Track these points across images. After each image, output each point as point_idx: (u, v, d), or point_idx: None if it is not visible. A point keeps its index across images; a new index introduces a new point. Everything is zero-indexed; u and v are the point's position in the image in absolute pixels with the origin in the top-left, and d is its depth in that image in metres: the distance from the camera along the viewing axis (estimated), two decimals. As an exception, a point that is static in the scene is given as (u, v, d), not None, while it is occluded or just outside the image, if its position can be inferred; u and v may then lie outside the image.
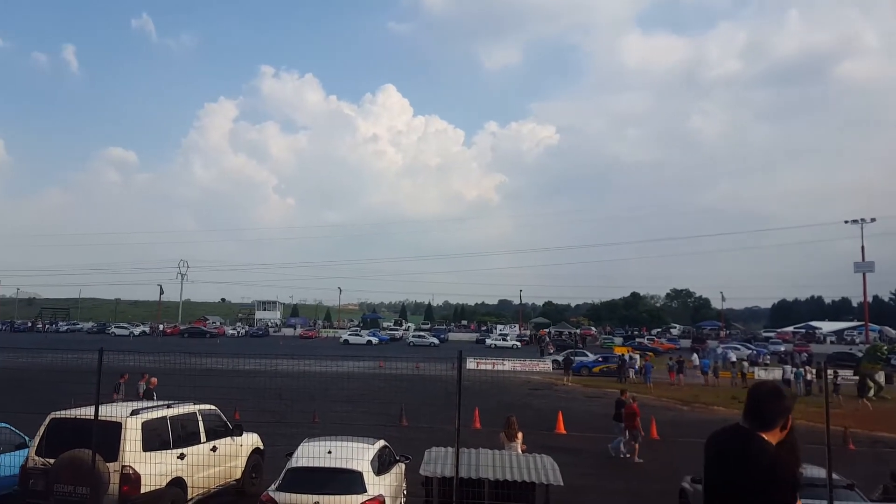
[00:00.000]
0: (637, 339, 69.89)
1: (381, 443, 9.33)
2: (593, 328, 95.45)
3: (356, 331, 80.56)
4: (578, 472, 12.74)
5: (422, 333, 78.55)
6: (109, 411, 8.76)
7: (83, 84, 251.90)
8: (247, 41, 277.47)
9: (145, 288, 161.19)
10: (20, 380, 27.15)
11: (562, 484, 7.88)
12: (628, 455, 16.03)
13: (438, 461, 8.23)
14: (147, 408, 9.38)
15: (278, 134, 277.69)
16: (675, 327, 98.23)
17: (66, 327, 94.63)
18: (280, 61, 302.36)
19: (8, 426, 10.66)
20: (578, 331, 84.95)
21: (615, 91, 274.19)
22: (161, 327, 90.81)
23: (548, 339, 70.58)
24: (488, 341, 70.79)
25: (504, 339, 71.32)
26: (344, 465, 8.07)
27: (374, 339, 71.12)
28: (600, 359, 41.99)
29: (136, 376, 17.83)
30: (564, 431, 19.21)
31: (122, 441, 8.42)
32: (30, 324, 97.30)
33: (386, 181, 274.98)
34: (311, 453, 8.32)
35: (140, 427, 8.74)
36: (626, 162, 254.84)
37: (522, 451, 10.34)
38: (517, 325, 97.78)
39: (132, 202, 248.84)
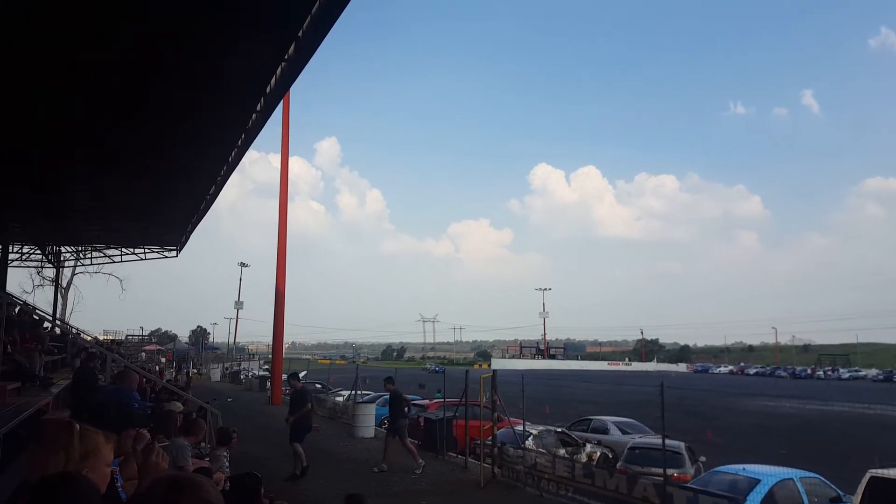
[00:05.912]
0: None
1: None
2: None
3: None
4: None
5: None
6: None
7: (825, 123, 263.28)
8: None
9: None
10: (808, 429, 29.27)
11: None
12: None
13: None
14: None
15: None
16: None
17: (847, 374, 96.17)
18: None
19: (820, 477, 11.50)
20: None
21: None
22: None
23: None
24: None
25: None
26: None
27: None
28: None
29: None
30: None
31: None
32: (809, 371, 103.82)
33: None
34: None
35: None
36: None
37: None
38: None
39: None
